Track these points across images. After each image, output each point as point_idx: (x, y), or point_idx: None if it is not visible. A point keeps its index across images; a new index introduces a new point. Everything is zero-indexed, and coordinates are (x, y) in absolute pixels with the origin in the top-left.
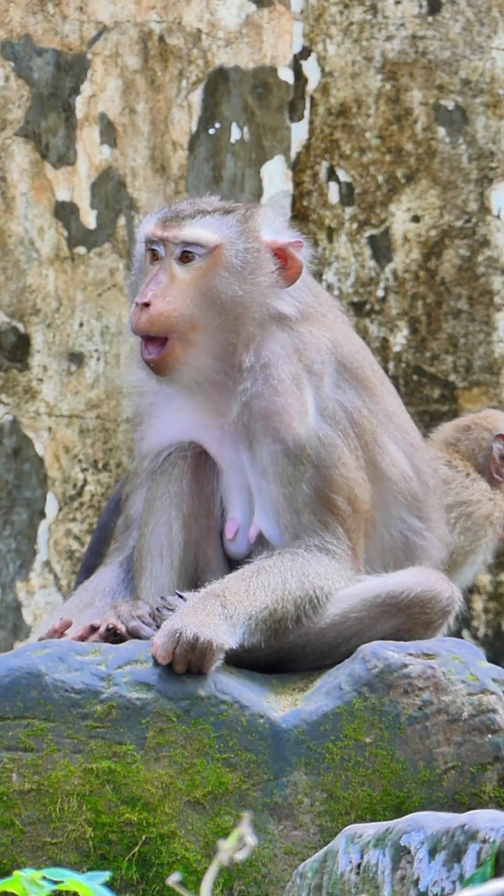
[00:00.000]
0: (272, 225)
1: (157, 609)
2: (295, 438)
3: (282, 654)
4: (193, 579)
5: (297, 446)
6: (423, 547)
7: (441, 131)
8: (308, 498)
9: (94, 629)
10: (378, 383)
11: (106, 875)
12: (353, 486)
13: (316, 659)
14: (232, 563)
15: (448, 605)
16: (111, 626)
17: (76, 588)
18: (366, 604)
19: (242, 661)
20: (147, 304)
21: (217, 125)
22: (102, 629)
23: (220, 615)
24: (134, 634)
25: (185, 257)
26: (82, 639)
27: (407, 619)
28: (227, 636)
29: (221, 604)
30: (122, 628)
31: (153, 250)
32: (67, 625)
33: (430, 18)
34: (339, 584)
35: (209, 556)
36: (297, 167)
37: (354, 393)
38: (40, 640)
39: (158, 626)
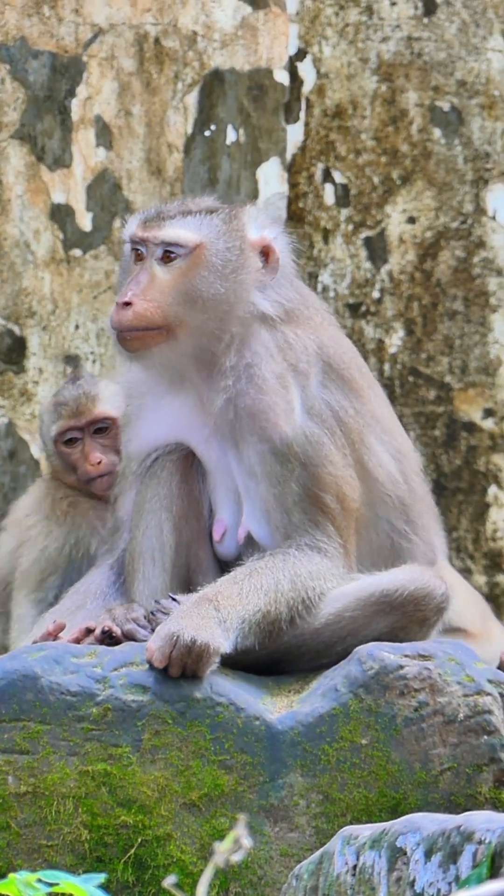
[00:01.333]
0: (257, 223)
1: (152, 612)
2: (282, 437)
3: (277, 654)
4: (186, 581)
5: (284, 445)
6: (409, 549)
7: (436, 133)
8: (297, 497)
9: (89, 631)
10: (366, 385)
11: (101, 877)
12: (341, 483)
13: (311, 659)
14: (223, 564)
15: (442, 602)
16: (107, 628)
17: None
18: (360, 602)
19: (238, 662)
20: (128, 304)
21: (212, 127)
22: (98, 632)
23: (215, 619)
24: (129, 637)
25: (167, 257)
26: (77, 641)
27: (402, 616)
28: (222, 640)
29: (215, 608)
30: (117, 631)
31: (137, 250)
32: (61, 627)
33: (425, 20)
34: (331, 583)
35: (200, 558)
36: (292, 169)
37: (341, 393)
38: (34, 642)
39: (153, 629)
